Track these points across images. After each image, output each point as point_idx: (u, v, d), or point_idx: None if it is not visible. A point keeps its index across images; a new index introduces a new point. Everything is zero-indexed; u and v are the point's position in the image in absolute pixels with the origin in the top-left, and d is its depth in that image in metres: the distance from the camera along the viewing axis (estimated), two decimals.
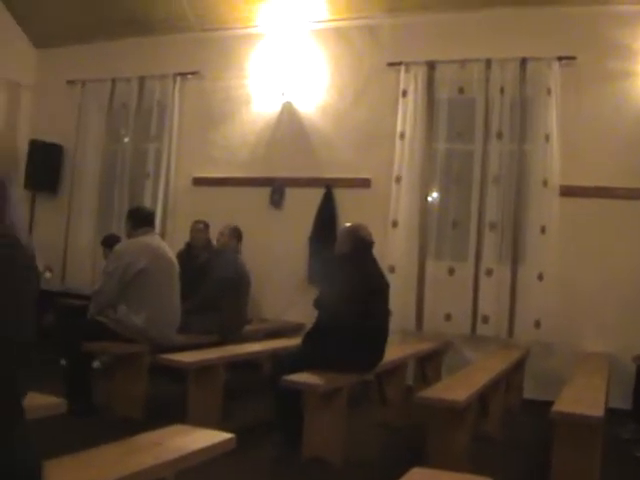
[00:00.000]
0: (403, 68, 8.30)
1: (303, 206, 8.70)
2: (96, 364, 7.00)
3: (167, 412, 5.59)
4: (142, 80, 9.85)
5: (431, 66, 8.20)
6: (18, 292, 1.89)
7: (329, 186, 8.60)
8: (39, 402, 3.15)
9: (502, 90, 7.87)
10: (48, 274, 9.05)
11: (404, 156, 8.20)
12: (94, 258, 9.71)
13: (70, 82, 10.39)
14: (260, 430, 5.66)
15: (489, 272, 7.75)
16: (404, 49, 8.34)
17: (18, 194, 3.10)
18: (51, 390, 3.41)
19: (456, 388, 5.10)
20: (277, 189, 8.90)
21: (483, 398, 5.61)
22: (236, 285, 7.41)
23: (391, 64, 8.36)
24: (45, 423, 2.89)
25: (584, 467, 4.19)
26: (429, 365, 7.41)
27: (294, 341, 6.62)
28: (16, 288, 1.89)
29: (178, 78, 9.62)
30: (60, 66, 10.53)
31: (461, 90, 8.17)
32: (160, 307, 6.23)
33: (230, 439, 3.40)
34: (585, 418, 4.18)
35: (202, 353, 5.91)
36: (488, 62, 7.93)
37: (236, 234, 7.95)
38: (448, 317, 7.90)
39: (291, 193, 8.88)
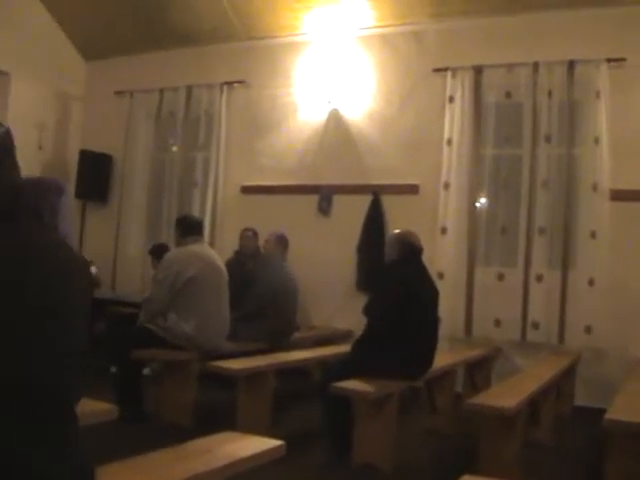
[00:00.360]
0: (449, 73, 8.29)
1: (351, 213, 8.72)
2: (146, 371, 7.08)
3: (216, 419, 5.65)
4: (189, 89, 9.98)
5: (478, 71, 8.17)
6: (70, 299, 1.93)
7: (377, 193, 8.61)
8: (91, 408, 3.21)
9: (550, 93, 7.81)
10: (94, 269, 9.15)
11: (452, 162, 8.18)
12: (143, 266, 9.83)
13: (118, 93, 10.58)
14: (309, 437, 5.70)
15: (539, 278, 7.69)
16: (450, 54, 8.32)
17: (71, 205, 3.17)
18: (102, 397, 3.46)
19: (506, 395, 5.08)
20: (325, 196, 8.93)
21: (533, 405, 5.57)
22: (283, 293, 7.44)
23: (437, 70, 8.36)
24: (96, 429, 2.92)
25: (638, 476, 4.14)
26: (479, 372, 7.38)
27: (343, 348, 6.65)
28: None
29: (225, 87, 9.72)
30: (109, 77, 10.73)
31: (508, 94, 8.13)
32: (209, 315, 6.29)
33: (280, 446, 3.39)
34: (639, 426, 4.13)
35: (251, 360, 5.95)
36: (535, 65, 7.87)
37: (282, 241, 8.00)
38: (498, 323, 7.86)
39: (339, 200, 8.90)
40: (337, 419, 5.35)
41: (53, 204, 3.11)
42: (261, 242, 8.24)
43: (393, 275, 5.59)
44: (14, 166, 1.92)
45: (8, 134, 1.91)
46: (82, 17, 10.24)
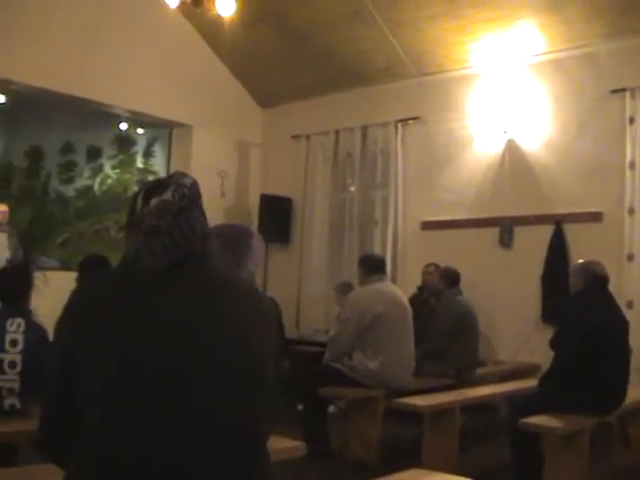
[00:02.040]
0: (628, 94, 8.17)
1: (533, 244, 8.74)
2: (331, 409, 7.29)
3: (402, 456, 5.74)
4: (365, 129, 10.32)
5: None
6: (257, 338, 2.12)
7: (559, 222, 8.56)
8: (281, 445, 3.45)
9: None
10: None
11: (635, 186, 8.04)
12: (327, 306, 10.17)
13: (295, 137, 11.08)
14: (498, 474, 5.73)
15: None
16: (627, 74, 8.23)
17: (260, 249, 3.39)
18: (289, 434, 3.66)
19: None
20: (506, 229, 8.93)
21: None
22: (464, 328, 7.47)
23: (614, 91, 8.27)
24: (285, 465, 3.07)
25: None
26: None
27: (530, 383, 6.62)
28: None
29: (400, 124, 9.99)
30: (285, 123, 11.32)
31: None
32: (395, 352, 6.46)
33: None
34: None
35: (436, 397, 6.05)
36: None
37: (446, 276, 7.95)
38: None
39: (520, 232, 8.90)
40: (526, 456, 5.33)
41: (242, 249, 3.31)
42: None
43: (579, 306, 5.58)
44: (202, 214, 2.15)
45: (195, 185, 2.15)
46: (257, 68, 10.99)
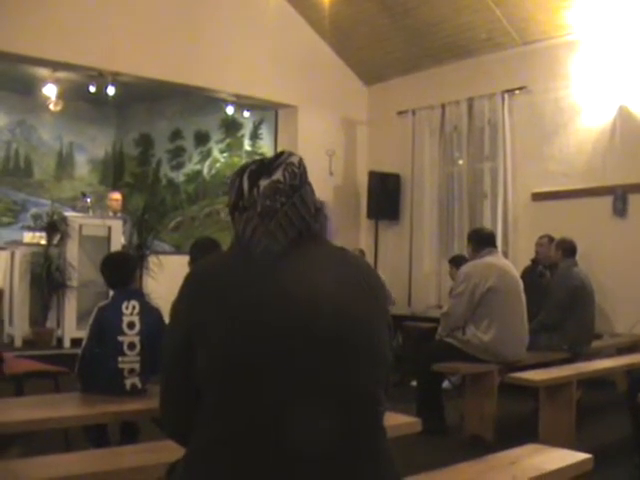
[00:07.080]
0: None
1: None
2: (445, 384, 7.28)
3: (517, 431, 5.69)
4: (471, 101, 10.29)
5: None
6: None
7: None
8: (396, 421, 3.50)
9: None
10: None
11: None
12: (438, 281, 10.20)
13: (401, 112, 11.10)
14: (617, 451, 5.56)
15: None
16: None
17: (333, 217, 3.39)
18: (403, 410, 3.67)
19: None
20: (620, 197, 8.72)
21: None
22: (580, 301, 7.33)
23: None
24: (399, 441, 2.97)
25: None
26: None
27: None
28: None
29: (506, 95, 9.89)
30: (390, 99, 11.40)
31: None
32: (508, 326, 6.40)
33: (587, 460, 3.38)
34: None
35: (552, 370, 5.94)
36: None
37: (562, 247, 7.79)
38: None
39: (635, 200, 8.67)
40: None
41: (322, 221, 3.35)
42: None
43: None
44: (312, 191, 2.17)
45: (302, 162, 2.16)
46: (359, 45, 11.10)
